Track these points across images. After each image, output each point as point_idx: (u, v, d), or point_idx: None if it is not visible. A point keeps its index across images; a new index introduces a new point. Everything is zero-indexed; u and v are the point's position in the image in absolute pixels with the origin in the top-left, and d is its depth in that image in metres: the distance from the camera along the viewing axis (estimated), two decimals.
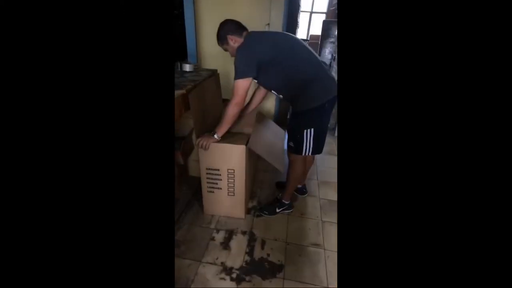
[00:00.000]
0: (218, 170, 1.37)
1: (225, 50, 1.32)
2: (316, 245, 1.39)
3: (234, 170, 1.35)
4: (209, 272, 1.22)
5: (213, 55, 2.46)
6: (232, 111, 1.25)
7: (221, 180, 1.40)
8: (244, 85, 1.20)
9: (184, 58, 2.45)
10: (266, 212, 1.56)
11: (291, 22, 2.46)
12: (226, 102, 1.78)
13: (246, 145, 1.29)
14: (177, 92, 1.23)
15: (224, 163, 1.34)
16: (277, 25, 2.25)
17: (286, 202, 1.56)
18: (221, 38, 1.27)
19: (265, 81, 1.29)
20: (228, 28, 1.25)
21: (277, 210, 1.56)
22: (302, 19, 4.84)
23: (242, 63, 1.19)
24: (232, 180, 1.38)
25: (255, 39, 1.23)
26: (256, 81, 1.28)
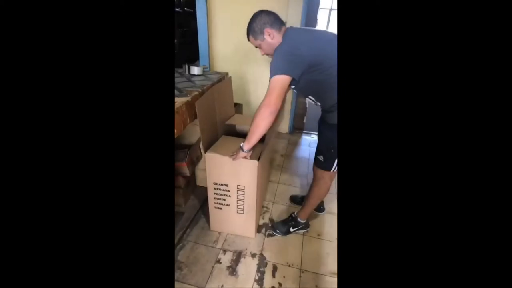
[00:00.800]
0: (227, 185, 1.23)
1: (257, 47, 1.08)
2: (335, 274, 1.22)
3: (244, 186, 1.21)
4: None
5: (226, 56, 2.33)
6: (262, 118, 0.98)
7: (229, 196, 1.26)
8: (283, 82, 0.94)
9: (195, 60, 2.34)
10: (279, 232, 1.41)
11: (310, 20, 2.28)
12: (238, 105, 1.65)
13: (258, 159, 1.14)
14: (181, 100, 1.10)
15: (234, 178, 1.20)
16: (295, 24, 2.08)
17: (302, 221, 1.40)
18: (255, 32, 1.03)
19: (305, 87, 1.05)
20: (265, 19, 1.01)
21: (291, 230, 1.40)
22: (321, 16, 4.61)
23: (283, 60, 0.95)
24: (242, 197, 1.24)
25: (299, 37, 1.00)
26: (291, 86, 1.05)
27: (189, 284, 1.14)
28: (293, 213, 1.43)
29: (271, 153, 2.16)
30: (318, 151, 1.21)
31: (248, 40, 1.09)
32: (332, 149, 1.13)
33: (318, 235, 1.43)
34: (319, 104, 1.11)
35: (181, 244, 1.33)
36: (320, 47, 0.98)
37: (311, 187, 1.31)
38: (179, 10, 3.08)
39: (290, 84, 1.00)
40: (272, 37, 1.02)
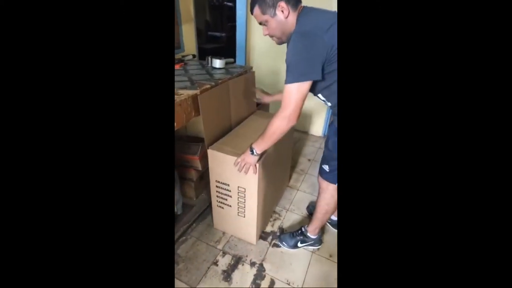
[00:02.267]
0: (228, 185, 1.16)
1: (262, 23, 0.87)
2: None
3: (245, 189, 1.11)
4: None
5: (262, 51, 2.24)
6: (279, 126, 0.86)
7: (231, 197, 1.18)
8: (301, 91, 0.80)
9: (232, 54, 2.32)
10: (285, 245, 1.27)
11: None
12: (260, 105, 1.56)
13: (259, 160, 1.03)
14: (188, 93, 1.06)
15: (235, 179, 1.12)
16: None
17: (313, 237, 1.24)
18: (266, 3, 0.82)
19: (321, 85, 0.88)
20: None
21: (299, 245, 1.25)
22: None
23: (300, 60, 0.78)
24: (243, 200, 1.15)
25: (319, 20, 0.80)
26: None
27: (181, 281, 1.12)
28: (303, 226, 1.27)
29: (296, 156, 2.00)
30: (324, 159, 1.04)
31: (251, 13, 0.87)
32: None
33: (330, 255, 1.25)
34: (329, 104, 0.93)
35: (183, 238, 1.32)
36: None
37: (317, 199, 1.14)
38: (230, 4, 3.12)
39: None
40: (285, 15, 0.82)
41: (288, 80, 0.80)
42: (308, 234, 1.23)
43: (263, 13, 0.84)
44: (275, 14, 0.83)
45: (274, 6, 0.82)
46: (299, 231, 1.27)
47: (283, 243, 1.27)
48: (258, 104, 1.53)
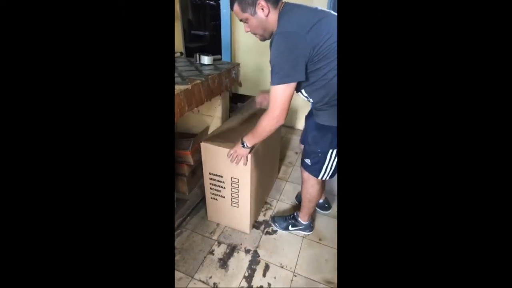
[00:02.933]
0: (222, 177, 1.20)
1: (243, 20, 0.87)
2: (330, 283, 1.12)
3: (238, 179, 1.17)
4: None
5: (247, 48, 2.29)
6: (267, 125, 0.91)
7: (224, 188, 1.23)
8: (287, 93, 0.83)
9: (217, 51, 2.35)
10: (278, 225, 1.35)
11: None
12: (252, 98, 1.60)
13: (250, 151, 1.09)
14: (180, 87, 1.10)
15: (228, 170, 1.17)
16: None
17: (304, 223, 1.31)
18: (246, 1, 0.81)
19: (304, 83, 0.90)
20: None
21: (290, 228, 1.33)
22: None
23: (285, 61, 0.79)
24: (236, 191, 1.21)
25: (301, 19, 0.80)
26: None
27: (179, 271, 1.15)
28: (296, 212, 1.35)
29: (284, 150, 2.08)
30: (306, 154, 1.09)
31: (231, 9, 0.86)
32: (320, 153, 1.01)
33: (320, 239, 1.33)
34: (311, 100, 0.98)
35: (179, 231, 1.35)
36: (323, 34, 0.80)
37: (301, 190, 1.23)
38: (213, 3, 3.13)
39: None
40: (265, 13, 0.82)
41: (274, 82, 0.82)
42: (299, 219, 1.31)
43: (243, 11, 0.84)
44: (255, 12, 0.83)
45: (253, 4, 0.81)
46: (291, 216, 1.35)
47: (276, 224, 1.35)
48: None
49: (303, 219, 1.31)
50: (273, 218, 1.40)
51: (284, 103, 0.85)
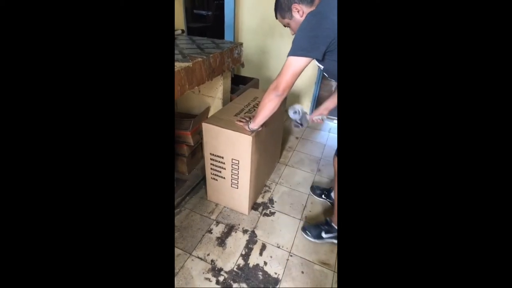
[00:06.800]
0: (222, 158, 1.20)
1: (286, 25, 0.94)
2: (325, 264, 1.15)
3: (239, 161, 1.17)
4: (196, 268, 1.10)
5: (251, 29, 2.23)
6: (269, 99, 0.92)
7: (224, 169, 1.24)
8: (297, 66, 0.82)
9: (220, 33, 2.28)
10: (309, 235, 1.23)
11: None
12: (254, 80, 1.56)
13: (252, 134, 1.08)
14: (181, 65, 1.07)
15: (229, 151, 1.17)
16: None
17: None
18: (282, 8, 0.89)
19: (332, 68, 0.88)
20: None
21: (324, 236, 1.21)
22: None
23: (304, 37, 0.80)
24: (236, 172, 1.21)
25: (330, 2, 0.80)
26: (321, 66, 0.90)
27: (177, 248, 1.18)
28: (329, 217, 1.25)
29: (285, 134, 2.07)
30: None
31: (276, 18, 0.94)
32: None
33: (317, 222, 1.35)
34: (322, 67, 0.94)
35: (178, 210, 1.37)
36: None
37: (335, 185, 1.17)
38: None
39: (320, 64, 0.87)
40: (301, 14, 0.87)
41: (289, 53, 0.83)
42: (333, 224, 1.20)
43: (283, 17, 0.91)
44: (292, 16, 0.89)
45: (289, 9, 0.88)
46: (324, 221, 1.25)
47: (307, 232, 1.24)
48: None
49: (337, 223, 1.18)
50: (304, 227, 1.28)
51: (291, 74, 0.84)
